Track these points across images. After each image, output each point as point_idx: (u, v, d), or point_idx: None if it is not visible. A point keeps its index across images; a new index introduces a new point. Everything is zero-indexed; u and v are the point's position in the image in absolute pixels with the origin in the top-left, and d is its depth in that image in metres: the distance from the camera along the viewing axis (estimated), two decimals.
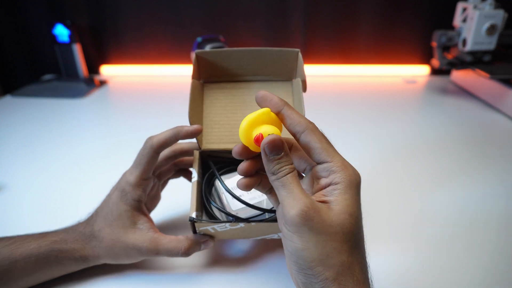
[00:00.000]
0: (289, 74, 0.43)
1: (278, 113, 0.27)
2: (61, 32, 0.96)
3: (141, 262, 0.39)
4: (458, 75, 0.99)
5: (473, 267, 0.38)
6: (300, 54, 0.41)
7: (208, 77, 0.43)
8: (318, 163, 0.26)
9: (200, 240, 0.36)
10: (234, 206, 0.37)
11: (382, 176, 0.56)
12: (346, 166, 0.26)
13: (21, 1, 1.03)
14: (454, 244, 0.42)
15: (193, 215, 0.34)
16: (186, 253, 0.35)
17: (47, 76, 1.10)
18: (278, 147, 0.26)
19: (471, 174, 0.56)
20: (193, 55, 0.41)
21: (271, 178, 0.26)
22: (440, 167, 0.58)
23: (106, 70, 1.12)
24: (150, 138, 0.36)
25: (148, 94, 0.94)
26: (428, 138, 0.68)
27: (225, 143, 0.41)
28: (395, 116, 0.79)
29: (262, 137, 0.26)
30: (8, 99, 0.93)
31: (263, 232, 0.36)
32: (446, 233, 0.44)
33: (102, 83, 1.03)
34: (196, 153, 0.39)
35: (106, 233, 0.35)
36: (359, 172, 0.26)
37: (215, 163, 0.41)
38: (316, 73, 1.09)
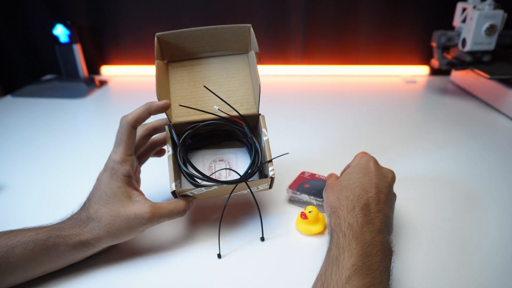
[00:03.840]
0: (244, 48, 0.48)
1: None
2: (61, 32, 0.96)
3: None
4: (458, 75, 0.99)
5: (473, 266, 0.39)
6: (251, 29, 0.46)
7: (171, 56, 0.46)
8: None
9: (189, 199, 0.40)
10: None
11: None
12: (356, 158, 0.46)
13: (21, 1, 1.03)
14: (454, 245, 0.42)
15: (173, 186, 0.38)
16: (185, 210, 0.39)
17: (47, 76, 1.10)
18: None
19: (471, 174, 0.56)
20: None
21: None
22: (440, 167, 0.58)
23: (106, 70, 1.12)
24: (124, 117, 0.39)
25: (148, 94, 0.94)
26: (427, 138, 0.68)
27: (192, 115, 0.45)
28: (395, 116, 0.79)
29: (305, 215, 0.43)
30: (8, 99, 0.93)
31: (236, 189, 0.41)
32: (448, 231, 0.44)
33: (102, 83, 1.04)
34: (167, 128, 0.42)
35: (104, 212, 0.36)
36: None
37: (191, 137, 0.45)
38: (316, 73, 1.09)
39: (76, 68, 1.00)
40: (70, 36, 0.96)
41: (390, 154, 0.63)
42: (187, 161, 0.39)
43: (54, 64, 1.06)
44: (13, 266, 0.34)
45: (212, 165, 0.46)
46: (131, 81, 1.06)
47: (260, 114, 0.45)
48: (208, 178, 0.39)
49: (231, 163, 0.46)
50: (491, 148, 0.64)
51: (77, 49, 0.99)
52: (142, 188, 0.45)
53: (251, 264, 0.39)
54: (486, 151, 0.63)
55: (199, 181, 0.40)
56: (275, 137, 0.71)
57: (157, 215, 0.37)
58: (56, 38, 0.97)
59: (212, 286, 0.37)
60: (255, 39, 0.45)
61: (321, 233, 0.43)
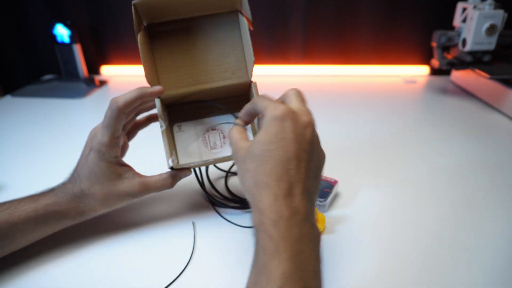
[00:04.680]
0: (234, 6, 0.43)
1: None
2: (61, 32, 0.96)
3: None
4: (458, 75, 0.99)
5: (473, 266, 0.39)
6: None
7: (153, 20, 0.42)
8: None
9: (180, 173, 0.43)
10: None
11: (381, 176, 0.56)
12: (269, 110, 0.32)
13: (21, 1, 1.03)
14: (454, 245, 0.42)
15: (170, 162, 0.40)
16: (172, 185, 0.42)
17: (47, 76, 1.10)
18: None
19: (470, 174, 0.56)
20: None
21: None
22: (440, 167, 0.58)
23: (106, 70, 1.12)
24: (115, 100, 0.38)
25: None
26: (427, 138, 0.68)
27: (183, 87, 0.43)
28: (395, 116, 0.79)
29: None
30: (8, 99, 0.93)
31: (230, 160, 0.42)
32: (448, 231, 0.44)
33: (102, 83, 1.04)
34: (158, 101, 0.41)
35: (96, 190, 0.39)
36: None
37: (178, 113, 0.46)
38: (316, 73, 1.09)
39: (76, 68, 1.00)
40: (70, 36, 0.96)
41: (390, 154, 0.63)
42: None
43: (54, 64, 1.06)
44: (15, 239, 0.38)
45: (206, 135, 0.46)
46: (131, 81, 1.06)
47: (252, 82, 0.44)
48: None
49: (225, 132, 0.46)
50: (491, 148, 0.64)
51: (77, 49, 0.99)
52: (136, 159, 0.48)
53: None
54: (486, 151, 0.63)
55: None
56: None
57: (146, 190, 0.41)
58: (56, 38, 0.97)
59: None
60: (247, 1, 0.41)
61: (321, 233, 0.43)
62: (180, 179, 0.43)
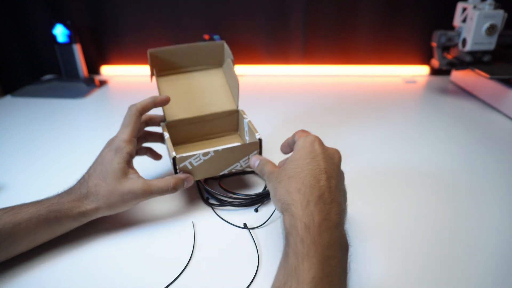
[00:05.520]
0: (219, 62, 0.58)
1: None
2: (61, 32, 0.96)
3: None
4: (458, 75, 0.99)
5: (473, 266, 0.39)
6: (225, 45, 0.55)
7: (160, 70, 0.55)
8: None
9: (182, 177, 0.44)
10: None
11: (381, 176, 0.56)
12: (299, 138, 0.39)
13: (21, 1, 1.03)
14: (454, 245, 0.42)
15: (173, 153, 0.44)
16: (175, 188, 0.43)
17: (47, 76, 1.10)
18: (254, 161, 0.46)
19: (471, 174, 0.56)
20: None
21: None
22: (440, 167, 0.58)
23: (106, 70, 1.12)
24: (133, 105, 0.45)
25: (148, 94, 0.94)
26: (427, 138, 0.68)
27: (184, 114, 0.54)
28: (395, 116, 0.79)
29: None
30: (8, 99, 0.93)
31: (229, 160, 0.47)
32: (448, 231, 0.44)
33: (102, 83, 1.04)
34: (163, 124, 0.52)
35: (102, 187, 0.40)
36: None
37: (177, 144, 0.56)
38: (316, 73, 1.09)
39: (76, 68, 1.00)
40: (70, 36, 0.96)
41: (390, 154, 0.63)
42: None
43: (54, 64, 1.06)
44: (18, 239, 0.38)
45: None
46: (131, 81, 1.06)
47: (240, 110, 0.55)
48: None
49: None
50: (491, 148, 0.64)
51: (77, 49, 0.99)
52: (142, 168, 0.49)
53: (248, 265, 0.39)
54: (486, 151, 0.63)
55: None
56: (275, 137, 0.71)
57: (148, 191, 0.41)
58: (56, 38, 0.97)
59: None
60: (229, 49, 0.54)
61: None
62: (183, 183, 0.44)
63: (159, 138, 0.55)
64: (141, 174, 0.44)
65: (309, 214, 0.31)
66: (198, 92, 0.56)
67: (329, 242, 0.30)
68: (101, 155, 0.43)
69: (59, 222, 0.39)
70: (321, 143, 0.38)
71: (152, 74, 0.54)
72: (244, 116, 0.53)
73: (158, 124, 0.53)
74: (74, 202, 0.40)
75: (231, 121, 0.57)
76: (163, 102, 0.48)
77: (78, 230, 0.43)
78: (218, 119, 0.56)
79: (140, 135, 0.51)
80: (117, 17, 1.05)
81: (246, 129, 0.53)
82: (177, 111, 0.54)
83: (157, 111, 0.52)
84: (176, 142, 0.55)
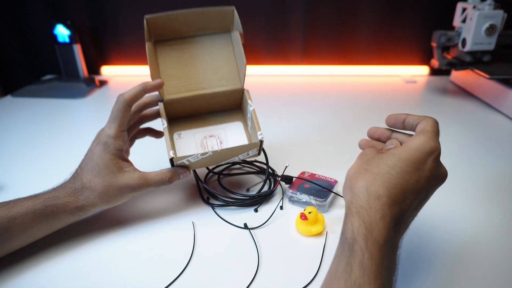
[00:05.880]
0: (227, 27, 0.51)
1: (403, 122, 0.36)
2: (61, 32, 0.96)
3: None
4: (458, 75, 0.99)
5: (474, 266, 0.39)
6: (235, 11, 0.50)
7: (158, 36, 0.50)
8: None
9: (179, 171, 0.44)
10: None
11: None
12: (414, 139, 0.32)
13: (21, 1, 1.03)
14: (454, 245, 0.42)
15: (171, 153, 0.43)
16: (170, 181, 0.43)
17: (47, 76, 1.10)
18: None
19: (470, 174, 0.56)
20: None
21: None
22: None
23: (107, 70, 1.12)
24: (121, 95, 0.42)
25: (148, 94, 0.94)
26: None
27: (183, 92, 0.49)
28: None
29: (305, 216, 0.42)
30: (8, 99, 0.93)
31: (227, 156, 0.46)
32: (448, 231, 0.44)
33: (102, 83, 1.04)
34: (161, 104, 0.47)
35: (97, 182, 0.40)
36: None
37: (178, 124, 0.51)
38: (316, 73, 1.09)
39: (76, 68, 1.00)
40: (70, 36, 0.96)
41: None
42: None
43: (54, 64, 1.06)
44: (14, 234, 0.37)
45: (204, 141, 0.50)
46: (131, 81, 1.05)
47: (245, 89, 0.50)
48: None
49: (221, 138, 0.51)
50: (491, 148, 0.64)
51: (77, 49, 0.99)
52: (140, 158, 0.49)
53: (248, 265, 0.39)
54: (486, 151, 0.63)
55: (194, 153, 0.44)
56: (275, 137, 0.71)
57: (145, 184, 0.42)
58: (56, 38, 0.97)
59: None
60: (239, 20, 0.49)
61: (321, 234, 0.43)
62: (179, 176, 0.44)
63: (156, 116, 0.50)
64: (137, 163, 0.44)
65: (384, 231, 0.28)
66: (202, 63, 0.50)
67: (391, 266, 0.28)
68: (90, 150, 0.42)
69: (56, 217, 0.39)
70: (437, 157, 0.31)
71: (148, 40, 0.49)
72: (249, 101, 0.48)
73: (156, 105, 0.49)
74: (70, 197, 0.40)
75: (235, 98, 0.52)
76: (154, 87, 0.44)
77: (77, 229, 0.43)
78: (221, 96, 0.51)
79: (133, 123, 0.49)
80: (117, 17, 1.05)
81: (249, 115, 0.49)
82: (177, 86, 0.49)
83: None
84: (175, 117, 0.51)
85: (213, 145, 0.50)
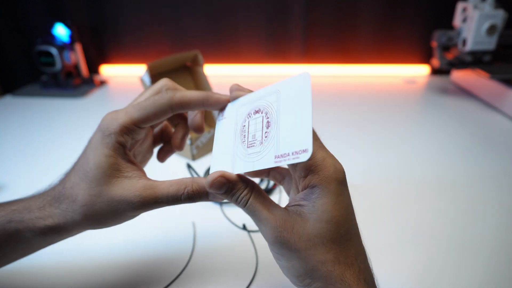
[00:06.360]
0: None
1: None
2: (61, 32, 0.96)
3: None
4: (458, 75, 0.98)
5: (473, 266, 0.39)
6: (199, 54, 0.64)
7: (156, 71, 0.64)
8: None
9: (209, 187, 0.25)
10: None
11: (381, 176, 0.56)
12: (325, 164, 0.24)
13: (21, 1, 1.03)
14: (453, 246, 0.42)
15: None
16: (191, 196, 0.27)
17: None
18: (220, 187, 0.24)
19: (471, 174, 0.56)
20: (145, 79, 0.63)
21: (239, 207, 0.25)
22: (440, 167, 0.58)
23: (106, 70, 1.12)
24: (172, 90, 0.28)
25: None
26: (428, 138, 0.68)
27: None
28: (395, 117, 0.79)
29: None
30: (8, 99, 0.93)
31: None
32: (446, 234, 0.44)
33: (102, 83, 1.03)
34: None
35: (81, 189, 0.26)
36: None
37: None
38: (316, 73, 1.09)
39: (76, 68, 1.00)
40: (70, 36, 0.96)
41: (390, 154, 0.63)
42: None
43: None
44: None
45: (245, 123, 0.28)
46: (131, 81, 1.06)
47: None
48: None
49: (269, 113, 0.27)
50: (491, 148, 0.64)
51: (77, 49, 0.99)
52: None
53: (247, 266, 0.39)
54: (486, 151, 0.63)
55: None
56: None
57: (153, 199, 0.26)
58: (56, 38, 0.97)
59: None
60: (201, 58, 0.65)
61: None
62: (206, 196, 0.27)
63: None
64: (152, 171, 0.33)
65: None
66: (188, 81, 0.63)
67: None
68: (89, 138, 0.29)
69: (21, 237, 0.27)
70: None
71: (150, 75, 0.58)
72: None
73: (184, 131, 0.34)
74: (44, 209, 0.27)
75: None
76: (220, 103, 0.29)
77: None
78: None
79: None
80: (117, 17, 1.05)
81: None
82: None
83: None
84: None
85: (255, 133, 0.27)
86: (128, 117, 0.27)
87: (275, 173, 0.31)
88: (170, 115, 0.28)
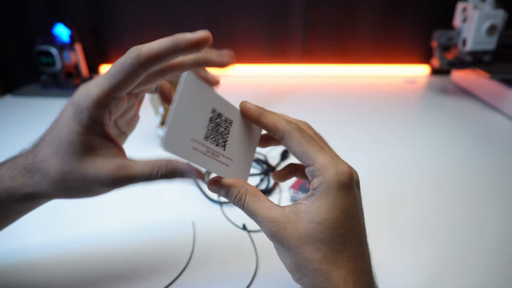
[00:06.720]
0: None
1: (257, 122, 0.28)
2: (61, 32, 0.96)
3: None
4: (458, 75, 0.99)
5: (473, 266, 0.39)
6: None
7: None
8: (306, 166, 0.26)
9: (187, 166, 0.25)
10: None
11: (381, 176, 0.56)
12: (327, 167, 0.24)
13: (21, 1, 1.03)
14: (453, 246, 0.42)
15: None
16: (164, 176, 0.25)
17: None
18: (217, 189, 0.27)
19: (471, 174, 0.56)
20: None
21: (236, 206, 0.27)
22: (440, 167, 0.58)
23: (106, 70, 1.12)
24: (136, 48, 0.25)
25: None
26: (428, 138, 0.68)
27: None
28: (395, 117, 0.79)
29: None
30: (8, 99, 0.93)
31: None
32: (446, 234, 0.44)
33: None
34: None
35: (52, 164, 0.26)
36: (358, 168, 0.28)
37: None
38: (316, 73, 1.09)
39: (76, 68, 1.00)
40: (70, 36, 0.96)
41: (390, 154, 0.63)
42: None
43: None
44: None
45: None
46: None
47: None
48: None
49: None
50: (492, 148, 0.64)
51: (77, 49, 0.99)
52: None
53: (246, 266, 0.39)
54: (487, 151, 0.63)
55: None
56: None
57: (126, 177, 0.25)
58: (56, 38, 0.96)
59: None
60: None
61: None
62: (180, 173, 0.26)
63: (194, 65, 0.30)
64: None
65: None
66: None
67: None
68: (62, 109, 0.28)
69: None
70: (358, 180, 0.27)
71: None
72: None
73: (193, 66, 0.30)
74: (16, 179, 0.27)
75: None
76: (193, 45, 0.25)
77: (75, 227, 0.43)
78: None
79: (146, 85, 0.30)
80: (117, 17, 1.05)
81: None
82: None
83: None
84: None
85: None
86: (100, 90, 0.25)
87: (302, 173, 0.31)
88: (143, 74, 0.26)
